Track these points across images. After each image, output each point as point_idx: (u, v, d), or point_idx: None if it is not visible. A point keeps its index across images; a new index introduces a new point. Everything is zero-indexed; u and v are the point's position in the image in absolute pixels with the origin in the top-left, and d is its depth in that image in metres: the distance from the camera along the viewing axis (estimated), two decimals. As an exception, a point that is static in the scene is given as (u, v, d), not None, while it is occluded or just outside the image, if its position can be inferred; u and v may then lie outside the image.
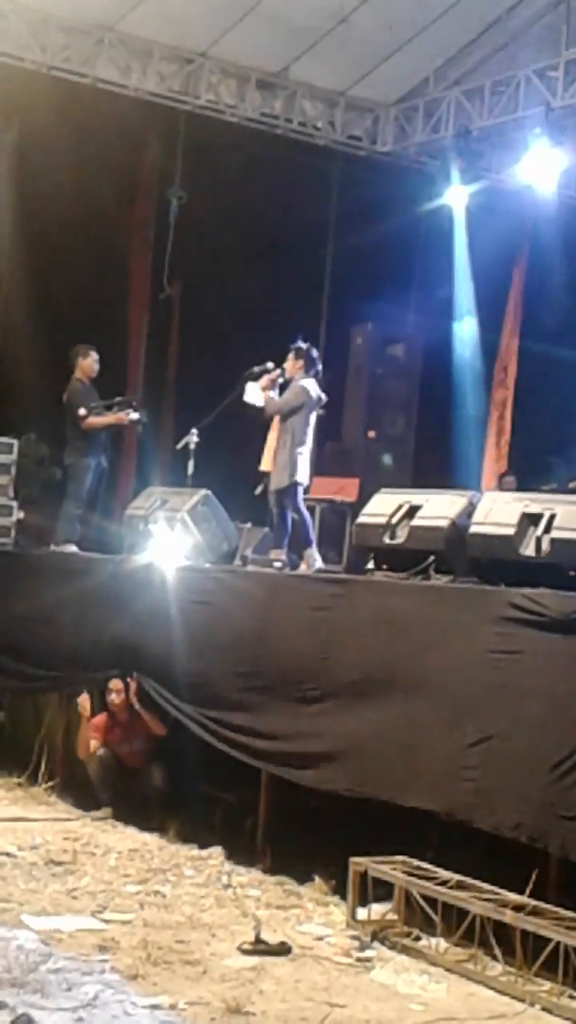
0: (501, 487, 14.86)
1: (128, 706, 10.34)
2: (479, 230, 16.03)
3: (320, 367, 10.91)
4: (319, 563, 10.43)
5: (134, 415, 12.47)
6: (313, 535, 10.63)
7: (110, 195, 15.55)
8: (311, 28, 14.75)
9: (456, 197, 15.78)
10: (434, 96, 15.80)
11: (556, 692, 7.24)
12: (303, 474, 10.60)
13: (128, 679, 10.32)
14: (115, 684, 10.39)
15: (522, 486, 14.00)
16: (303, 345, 10.85)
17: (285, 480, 10.52)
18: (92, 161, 14.93)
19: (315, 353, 10.87)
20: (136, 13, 14.39)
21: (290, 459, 10.52)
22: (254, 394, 10.80)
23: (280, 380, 10.85)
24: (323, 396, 10.82)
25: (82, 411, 12.18)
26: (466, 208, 15.92)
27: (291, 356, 10.79)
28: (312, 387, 10.66)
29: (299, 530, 10.59)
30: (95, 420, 12.27)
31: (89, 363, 12.53)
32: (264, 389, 10.78)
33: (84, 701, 10.56)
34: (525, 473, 15.39)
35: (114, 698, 10.38)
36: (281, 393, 10.80)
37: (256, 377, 10.88)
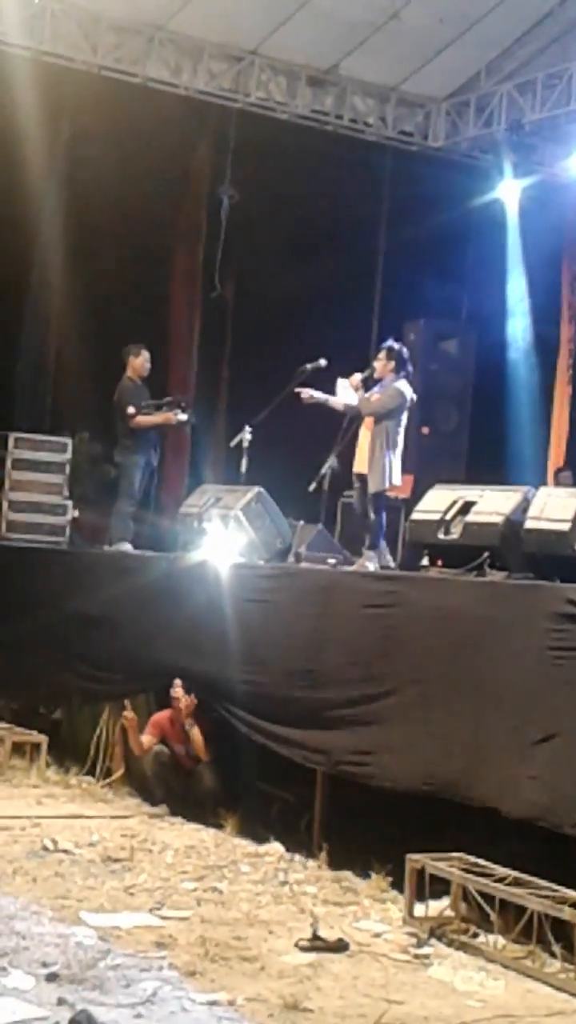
0: (557, 482, 14.79)
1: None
2: (532, 224, 15.97)
3: (411, 368, 10.93)
4: (374, 567, 10.40)
5: (182, 416, 12.57)
6: (382, 542, 10.68)
7: (162, 194, 15.63)
8: (361, 23, 14.74)
9: (509, 191, 15.74)
10: (486, 90, 15.75)
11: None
12: (397, 477, 10.69)
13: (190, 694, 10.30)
14: (179, 680, 10.37)
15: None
16: (395, 345, 10.89)
17: (382, 484, 10.59)
18: (144, 161, 15.02)
19: (407, 353, 10.90)
20: (186, 12, 14.44)
21: (386, 463, 10.60)
22: (347, 393, 10.83)
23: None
24: (414, 397, 10.89)
25: (131, 410, 12.28)
26: (519, 202, 15.86)
27: (382, 356, 10.82)
28: (407, 389, 10.72)
29: (371, 531, 10.63)
30: (143, 419, 12.36)
31: (140, 362, 12.61)
32: (356, 388, 10.79)
33: (128, 712, 10.58)
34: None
35: (178, 692, 10.34)
36: (367, 391, 10.81)
37: (306, 374, 10.95)
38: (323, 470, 11.08)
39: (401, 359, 10.78)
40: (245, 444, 11.47)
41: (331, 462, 11.03)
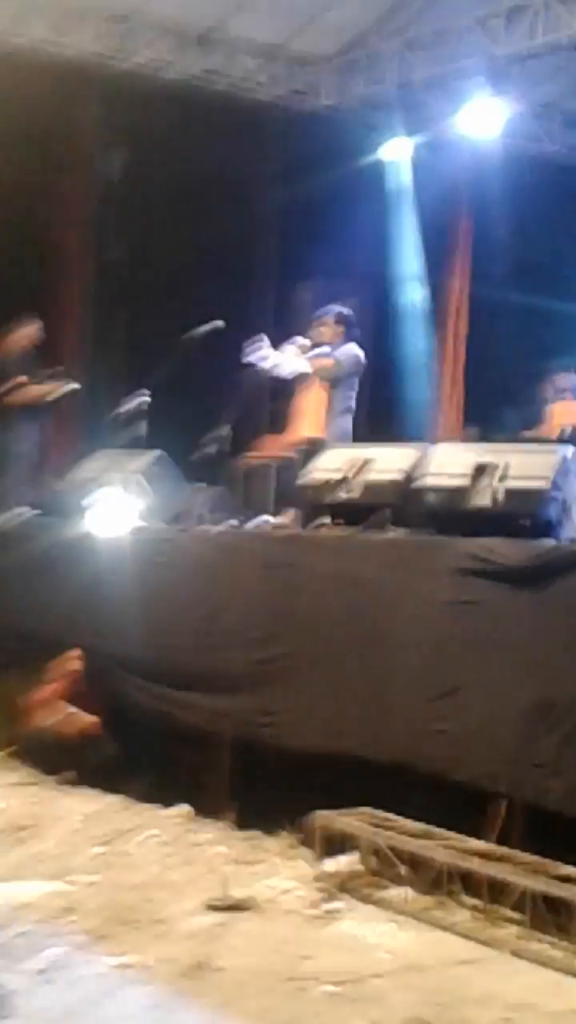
0: (463, 439, 14.87)
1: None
2: (424, 181, 16.00)
3: (359, 330, 11.09)
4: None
5: (66, 387, 12.74)
6: None
7: (47, 160, 15.40)
8: (247, -19, 14.63)
9: (400, 149, 15.75)
10: (375, 48, 15.70)
11: (516, 641, 7.25)
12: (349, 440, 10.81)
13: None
14: (75, 651, 10.31)
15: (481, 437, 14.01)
16: (344, 311, 11.05)
17: None
18: (27, 125, 14.72)
19: (353, 316, 11.04)
20: (69, -29, 14.23)
21: (348, 428, 10.81)
22: (297, 363, 10.92)
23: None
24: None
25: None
26: (411, 159, 15.88)
27: (331, 321, 10.98)
28: (361, 353, 10.94)
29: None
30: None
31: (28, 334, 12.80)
32: (306, 356, 10.91)
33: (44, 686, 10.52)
34: (477, 424, 15.44)
35: (74, 664, 10.29)
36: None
37: (199, 337, 11.07)
38: (222, 433, 11.06)
39: (350, 323, 10.98)
40: (143, 408, 11.42)
41: (228, 426, 11.04)
